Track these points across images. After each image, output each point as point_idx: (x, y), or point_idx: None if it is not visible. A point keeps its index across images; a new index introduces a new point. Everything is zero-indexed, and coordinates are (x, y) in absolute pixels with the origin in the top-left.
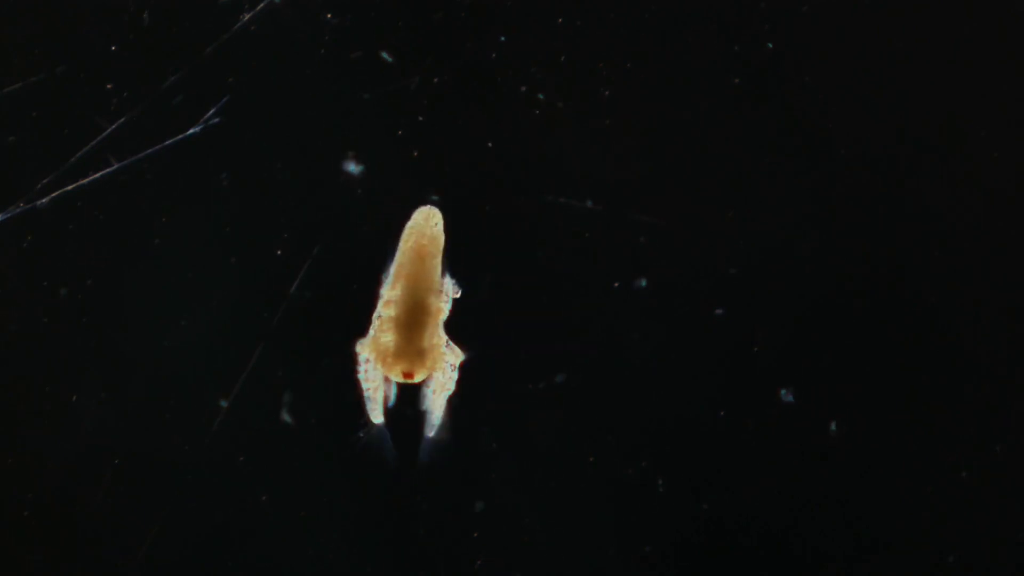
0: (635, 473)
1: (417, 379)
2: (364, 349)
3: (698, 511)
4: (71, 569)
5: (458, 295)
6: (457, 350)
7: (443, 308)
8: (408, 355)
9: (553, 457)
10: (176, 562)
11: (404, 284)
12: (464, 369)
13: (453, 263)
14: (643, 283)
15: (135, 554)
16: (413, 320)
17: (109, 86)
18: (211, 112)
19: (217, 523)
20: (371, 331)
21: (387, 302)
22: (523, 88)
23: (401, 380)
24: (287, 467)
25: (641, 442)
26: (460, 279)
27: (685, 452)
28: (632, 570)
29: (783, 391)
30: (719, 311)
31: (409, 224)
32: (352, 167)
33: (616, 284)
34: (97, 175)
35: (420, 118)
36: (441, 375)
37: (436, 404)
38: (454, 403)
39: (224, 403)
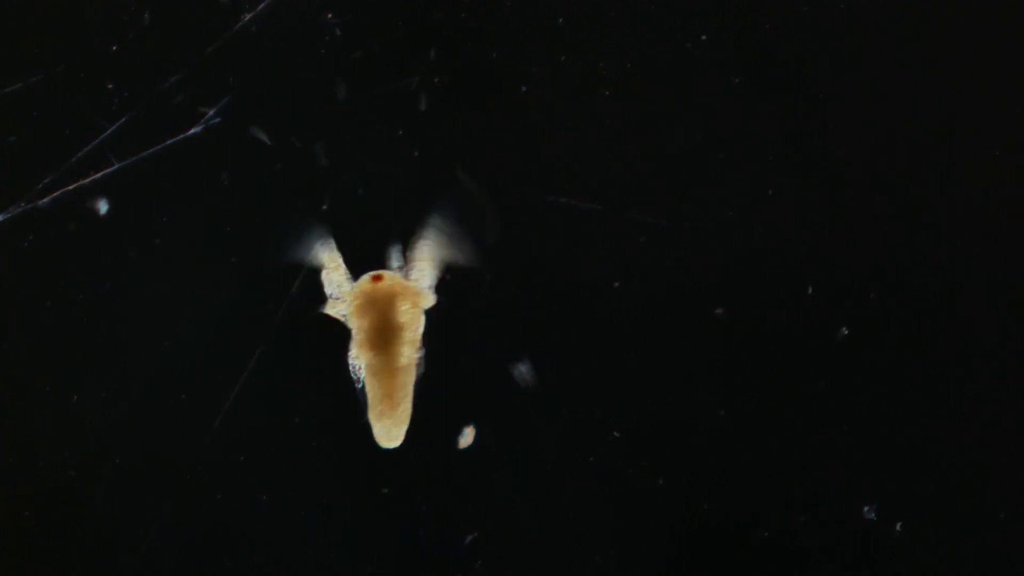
0: (635, 473)
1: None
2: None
3: (698, 511)
4: (71, 569)
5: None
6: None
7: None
8: (370, 314)
9: (553, 456)
10: (176, 562)
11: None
12: (464, 368)
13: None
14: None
15: (135, 554)
16: (383, 336)
17: (110, 86)
18: (212, 112)
19: (217, 523)
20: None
21: (414, 321)
22: (523, 88)
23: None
24: (287, 467)
25: (641, 442)
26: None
27: (685, 452)
28: (632, 570)
29: (783, 391)
30: (719, 311)
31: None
32: (352, 167)
33: (616, 284)
34: (98, 175)
35: (420, 118)
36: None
37: None
38: (453, 402)
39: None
